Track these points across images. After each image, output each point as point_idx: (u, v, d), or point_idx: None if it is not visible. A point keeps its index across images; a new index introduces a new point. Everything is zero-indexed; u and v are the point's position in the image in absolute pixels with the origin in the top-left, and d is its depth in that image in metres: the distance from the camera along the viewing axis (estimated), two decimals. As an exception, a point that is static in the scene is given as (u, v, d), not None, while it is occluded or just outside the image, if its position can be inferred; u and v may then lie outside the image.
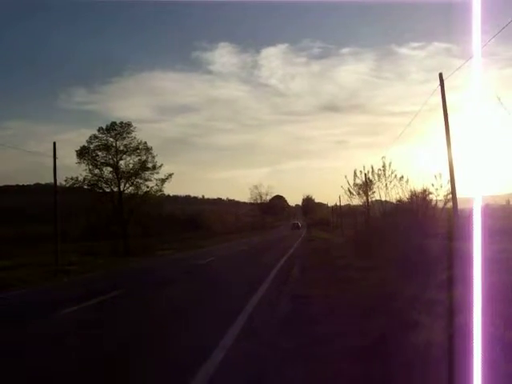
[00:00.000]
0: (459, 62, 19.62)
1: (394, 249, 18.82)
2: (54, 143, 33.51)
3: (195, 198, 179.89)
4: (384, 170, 31.15)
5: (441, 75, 20.24)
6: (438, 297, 8.96)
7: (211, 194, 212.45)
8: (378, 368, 5.68)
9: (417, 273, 12.31)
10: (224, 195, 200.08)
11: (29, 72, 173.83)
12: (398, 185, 28.59)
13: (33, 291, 18.38)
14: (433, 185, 23.86)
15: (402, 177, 28.55)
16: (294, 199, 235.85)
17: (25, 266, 28.15)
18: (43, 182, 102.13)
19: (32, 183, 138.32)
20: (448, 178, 21.26)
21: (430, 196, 25.29)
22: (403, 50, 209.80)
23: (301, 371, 6.03)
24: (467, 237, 6.40)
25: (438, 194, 23.93)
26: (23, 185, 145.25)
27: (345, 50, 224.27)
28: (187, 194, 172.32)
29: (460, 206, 20.60)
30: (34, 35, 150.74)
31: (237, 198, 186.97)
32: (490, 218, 19.41)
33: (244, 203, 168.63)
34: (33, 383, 6.41)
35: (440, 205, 24.36)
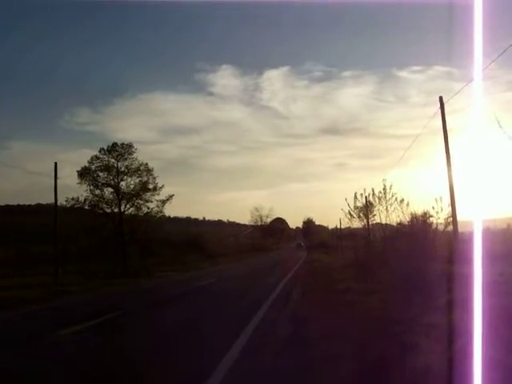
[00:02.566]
0: (460, 86, 19.73)
1: (394, 272, 18.78)
2: (56, 163, 33.73)
3: (196, 219, 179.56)
4: (385, 193, 31.21)
5: (441, 98, 20.39)
6: (437, 320, 8.93)
7: (212, 215, 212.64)
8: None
9: (417, 296, 12.27)
10: (225, 217, 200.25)
11: (30, 92, 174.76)
12: (399, 208, 28.59)
13: (32, 311, 18.27)
14: (433, 208, 23.82)
15: (403, 200, 28.56)
16: (295, 221, 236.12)
17: (24, 287, 28.06)
18: (44, 202, 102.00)
19: (33, 203, 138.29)
20: (448, 201, 21.31)
21: (431, 219, 25.28)
22: (404, 74, 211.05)
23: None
24: (467, 260, 6.39)
25: (439, 217, 23.90)
26: (24, 204, 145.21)
27: (346, 73, 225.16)
28: (188, 215, 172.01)
29: (460, 229, 20.63)
30: (38, 55, 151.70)
31: (237, 220, 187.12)
32: (490, 241, 19.38)
33: (244, 225, 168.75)
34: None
35: (440, 228, 24.32)
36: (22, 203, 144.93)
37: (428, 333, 7.95)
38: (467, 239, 17.64)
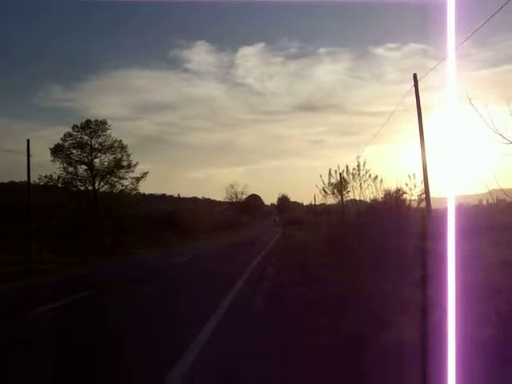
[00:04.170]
0: (434, 63, 19.79)
1: (368, 248, 18.94)
2: (28, 140, 33.33)
3: (171, 196, 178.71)
4: (359, 170, 31.40)
5: (415, 76, 20.47)
6: (411, 295, 9.03)
7: (187, 192, 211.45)
8: (350, 365, 5.70)
9: (391, 272, 12.39)
10: (200, 194, 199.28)
11: (3, 69, 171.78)
12: (373, 184, 28.78)
13: (5, 290, 18.16)
14: (407, 184, 23.97)
15: (377, 176, 28.75)
16: (270, 198, 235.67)
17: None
18: (17, 180, 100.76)
19: (6, 181, 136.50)
20: (422, 177, 21.49)
21: (404, 196, 25.49)
22: (379, 51, 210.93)
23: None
24: (441, 236, 6.46)
25: (412, 194, 24.07)
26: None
27: (322, 50, 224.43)
28: (163, 192, 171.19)
29: (434, 206, 20.83)
30: (11, 32, 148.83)
31: (212, 197, 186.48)
32: (462, 217, 19.60)
33: (220, 202, 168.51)
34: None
35: (414, 205, 24.55)
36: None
37: (402, 308, 8.04)
38: (440, 216, 17.85)
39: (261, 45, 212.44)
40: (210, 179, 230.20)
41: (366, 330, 7.01)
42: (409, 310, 7.87)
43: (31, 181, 33.93)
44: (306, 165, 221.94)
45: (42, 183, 45.02)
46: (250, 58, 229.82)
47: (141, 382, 6.07)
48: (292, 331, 7.91)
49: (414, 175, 23.34)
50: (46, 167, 45.80)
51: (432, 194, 21.31)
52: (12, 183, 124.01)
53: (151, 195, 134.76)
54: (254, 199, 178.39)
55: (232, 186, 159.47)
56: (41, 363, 7.03)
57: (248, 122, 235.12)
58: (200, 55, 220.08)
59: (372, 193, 28.29)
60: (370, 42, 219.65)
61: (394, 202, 26.14)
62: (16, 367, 6.97)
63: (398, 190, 26.13)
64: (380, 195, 27.51)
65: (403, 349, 5.94)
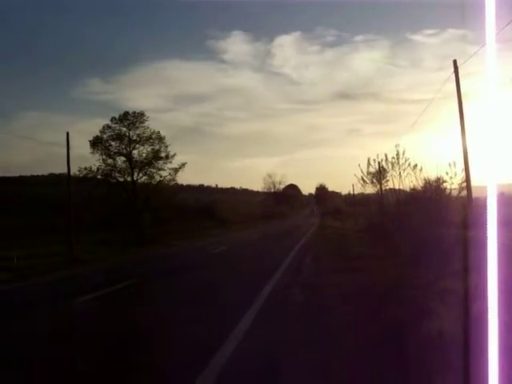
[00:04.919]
0: (475, 49, 19.35)
1: (407, 238, 18.75)
2: (67, 133, 33.72)
3: (208, 187, 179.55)
4: (398, 159, 31.03)
5: (455, 62, 20.08)
6: (452, 286, 8.91)
7: (225, 183, 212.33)
8: (392, 355, 5.64)
9: (431, 262, 12.25)
10: (237, 184, 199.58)
11: (44, 63, 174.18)
12: (412, 173, 28.42)
13: (49, 281, 18.46)
14: (447, 173, 23.56)
15: (416, 165, 28.38)
16: (308, 188, 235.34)
17: (39, 256, 28.37)
18: (57, 172, 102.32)
19: (46, 173, 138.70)
20: (462, 166, 21.13)
21: (444, 184, 25.09)
22: (417, 37, 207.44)
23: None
24: (482, 225, 6.34)
25: (453, 183, 23.66)
26: (37, 175, 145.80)
27: (358, 38, 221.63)
28: (201, 183, 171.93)
29: (475, 194, 20.47)
30: (51, 27, 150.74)
31: (250, 187, 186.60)
32: (504, 206, 19.26)
33: (257, 192, 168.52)
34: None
35: (454, 193, 24.13)
36: (35, 174, 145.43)
37: (443, 298, 7.94)
38: (481, 205, 17.54)
39: (297, 33, 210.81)
40: (247, 169, 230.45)
41: (407, 320, 6.94)
42: (450, 300, 7.78)
43: (71, 173, 34.33)
44: (342, 154, 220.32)
45: (81, 175, 45.57)
46: (286, 47, 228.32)
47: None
48: (332, 321, 7.88)
49: (454, 163, 22.92)
50: (85, 158, 46.38)
51: (473, 183, 20.95)
52: (51, 175, 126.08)
53: (189, 186, 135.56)
54: (292, 189, 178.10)
55: (270, 176, 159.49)
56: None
57: (284, 111, 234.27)
58: (236, 45, 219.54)
59: (411, 182, 27.95)
60: (408, 28, 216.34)
61: (433, 190, 25.78)
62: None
63: (438, 179, 25.75)
64: (419, 184, 27.16)
65: (444, 339, 5.87)
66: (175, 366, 6.16)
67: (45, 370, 6.33)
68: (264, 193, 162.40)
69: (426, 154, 57.18)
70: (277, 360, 6.09)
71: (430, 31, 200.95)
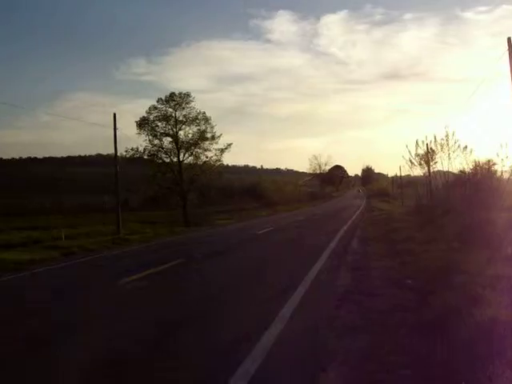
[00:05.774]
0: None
1: (457, 221, 18.42)
2: (114, 114, 34.03)
3: (254, 167, 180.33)
4: (447, 140, 30.53)
5: (509, 39, 19.46)
6: (504, 272, 8.69)
7: (270, 164, 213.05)
8: (440, 343, 5.50)
9: (481, 246, 11.99)
10: (283, 165, 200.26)
11: (88, 45, 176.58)
12: (462, 155, 27.94)
13: (96, 259, 18.75)
14: (498, 155, 22.92)
15: (466, 147, 27.86)
16: (354, 169, 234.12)
17: (88, 235, 28.92)
18: (104, 153, 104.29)
19: (94, 154, 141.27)
20: (515, 147, 20.59)
21: (495, 167, 24.54)
22: (468, 15, 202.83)
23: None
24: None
25: (504, 165, 23.02)
26: (85, 155, 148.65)
27: (407, 16, 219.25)
28: (246, 164, 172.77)
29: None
30: (95, 9, 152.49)
31: (295, 168, 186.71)
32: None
33: (303, 173, 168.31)
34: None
35: (506, 176, 23.52)
36: (82, 154, 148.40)
37: (494, 284, 7.73)
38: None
39: (344, 12, 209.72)
40: (292, 150, 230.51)
41: (458, 306, 6.76)
42: (501, 286, 7.58)
43: (118, 154, 34.68)
44: (390, 135, 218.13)
45: (128, 156, 45.91)
46: (333, 26, 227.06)
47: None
48: (381, 306, 7.78)
49: (506, 144, 22.27)
50: (132, 139, 46.76)
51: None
52: (99, 156, 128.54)
53: (234, 166, 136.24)
54: (338, 170, 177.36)
55: (315, 157, 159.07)
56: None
57: (331, 91, 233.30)
58: (282, 25, 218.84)
59: (461, 164, 27.49)
60: (458, 5, 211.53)
61: (484, 173, 25.26)
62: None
63: (488, 161, 25.23)
64: (469, 166, 26.68)
65: (495, 327, 5.71)
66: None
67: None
68: (310, 174, 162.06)
69: (476, 136, 55.94)
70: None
71: (482, 8, 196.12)
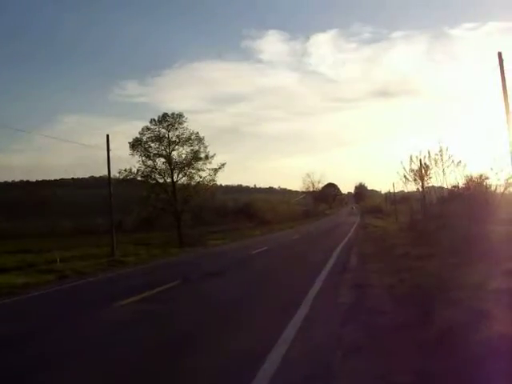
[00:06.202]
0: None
1: (452, 236, 18.39)
2: (107, 136, 33.96)
3: (247, 187, 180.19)
4: (441, 155, 30.63)
5: (500, 54, 19.64)
6: (504, 286, 8.62)
7: (263, 182, 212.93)
8: (444, 361, 5.41)
9: (479, 261, 11.92)
10: (276, 184, 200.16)
11: (81, 67, 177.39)
12: (456, 170, 28.02)
13: (90, 282, 18.58)
14: (492, 169, 22.92)
15: (460, 161, 27.95)
16: (346, 187, 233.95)
17: (82, 258, 28.73)
18: (97, 175, 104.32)
19: (87, 176, 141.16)
20: (508, 160, 20.59)
21: (488, 181, 24.62)
22: (456, 32, 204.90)
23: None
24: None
25: (498, 179, 23.04)
26: (78, 178, 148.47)
27: (396, 34, 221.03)
28: (239, 183, 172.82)
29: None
30: (89, 32, 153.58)
31: (289, 187, 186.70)
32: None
33: (296, 191, 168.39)
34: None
35: (500, 190, 23.53)
36: (76, 176, 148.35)
37: (498, 299, 7.64)
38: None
39: (333, 31, 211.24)
40: (285, 169, 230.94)
41: (460, 323, 6.67)
42: (503, 301, 7.51)
43: (111, 175, 34.59)
44: (382, 152, 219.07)
45: (121, 177, 45.76)
46: (322, 45, 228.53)
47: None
48: (383, 324, 7.68)
49: (499, 158, 22.25)
50: (125, 160, 46.62)
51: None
52: (92, 178, 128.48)
53: (227, 186, 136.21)
54: (331, 188, 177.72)
55: (308, 175, 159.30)
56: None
57: (322, 110, 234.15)
58: (272, 44, 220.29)
59: (455, 179, 27.59)
60: (446, 23, 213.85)
61: (476, 187, 25.33)
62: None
63: (480, 176, 25.33)
64: (462, 181, 26.78)
65: (499, 342, 5.62)
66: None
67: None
68: (303, 192, 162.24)
69: (469, 150, 56.15)
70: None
71: (469, 25, 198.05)
